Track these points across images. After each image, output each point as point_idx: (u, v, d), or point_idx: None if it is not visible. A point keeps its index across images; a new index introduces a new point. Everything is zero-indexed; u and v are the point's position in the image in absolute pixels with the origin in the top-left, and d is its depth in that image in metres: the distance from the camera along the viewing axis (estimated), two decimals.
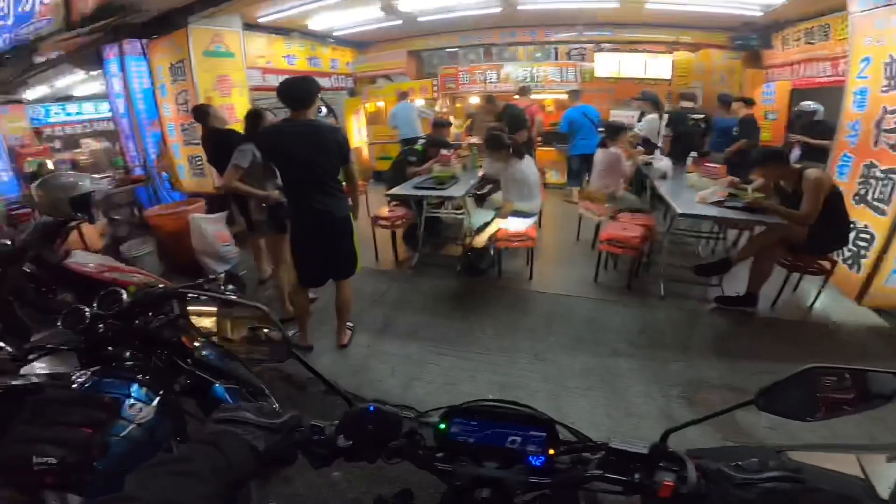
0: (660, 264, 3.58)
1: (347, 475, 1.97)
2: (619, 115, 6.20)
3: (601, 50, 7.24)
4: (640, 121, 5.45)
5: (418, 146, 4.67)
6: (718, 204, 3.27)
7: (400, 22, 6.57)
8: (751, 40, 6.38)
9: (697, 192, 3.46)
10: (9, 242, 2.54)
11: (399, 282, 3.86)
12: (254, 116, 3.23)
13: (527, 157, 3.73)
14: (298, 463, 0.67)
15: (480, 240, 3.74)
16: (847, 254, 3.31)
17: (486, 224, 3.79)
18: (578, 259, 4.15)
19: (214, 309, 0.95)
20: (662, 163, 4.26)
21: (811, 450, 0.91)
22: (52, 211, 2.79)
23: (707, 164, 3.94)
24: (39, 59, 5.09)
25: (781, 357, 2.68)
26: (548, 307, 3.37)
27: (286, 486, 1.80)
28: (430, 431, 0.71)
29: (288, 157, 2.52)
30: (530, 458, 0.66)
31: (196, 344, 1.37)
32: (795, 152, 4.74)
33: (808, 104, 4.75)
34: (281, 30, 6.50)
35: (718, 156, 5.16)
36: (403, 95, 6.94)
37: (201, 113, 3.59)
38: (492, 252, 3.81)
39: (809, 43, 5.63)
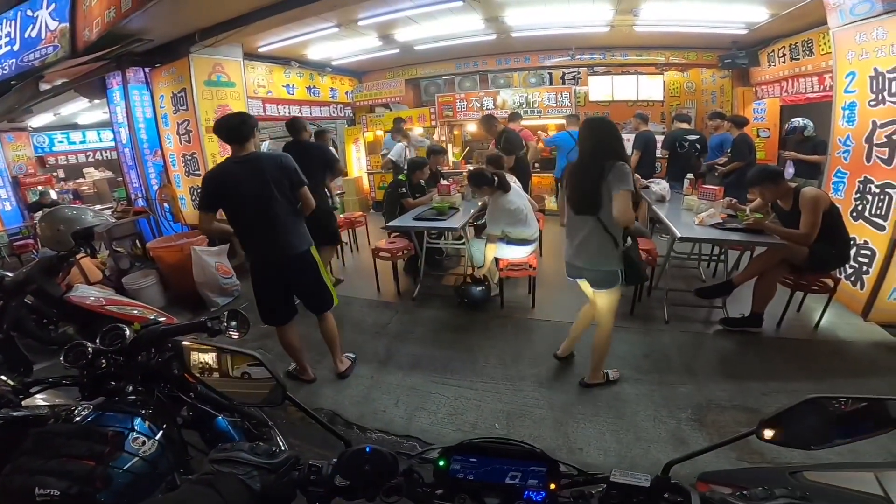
0: (662, 289, 3.56)
1: None
2: None
3: (594, 73, 7.35)
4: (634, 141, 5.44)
5: (402, 175, 4.60)
6: (718, 226, 3.25)
7: (397, 51, 6.72)
8: (738, 58, 6.48)
9: (696, 215, 3.43)
10: (10, 275, 2.53)
11: (401, 313, 3.84)
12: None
13: (513, 187, 3.62)
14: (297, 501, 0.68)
15: (482, 270, 3.69)
16: (849, 270, 3.33)
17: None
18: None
19: (213, 349, 0.92)
20: (660, 186, 4.28)
21: (829, 469, 0.89)
22: (54, 245, 2.77)
23: (704, 187, 3.96)
24: (45, 87, 5.10)
25: (790, 376, 2.68)
26: (551, 336, 3.32)
27: None
28: (430, 468, 0.71)
29: (235, 195, 2.35)
30: (530, 493, 0.67)
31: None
32: (789, 170, 4.77)
33: (798, 120, 4.80)
34: (280, 59, 6.59)
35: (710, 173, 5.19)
36: (399, 122, 6.96)
37: (295, 127, 3.92)
38: (494, 281, 3.77)
39: (795, 59, 5.68)
